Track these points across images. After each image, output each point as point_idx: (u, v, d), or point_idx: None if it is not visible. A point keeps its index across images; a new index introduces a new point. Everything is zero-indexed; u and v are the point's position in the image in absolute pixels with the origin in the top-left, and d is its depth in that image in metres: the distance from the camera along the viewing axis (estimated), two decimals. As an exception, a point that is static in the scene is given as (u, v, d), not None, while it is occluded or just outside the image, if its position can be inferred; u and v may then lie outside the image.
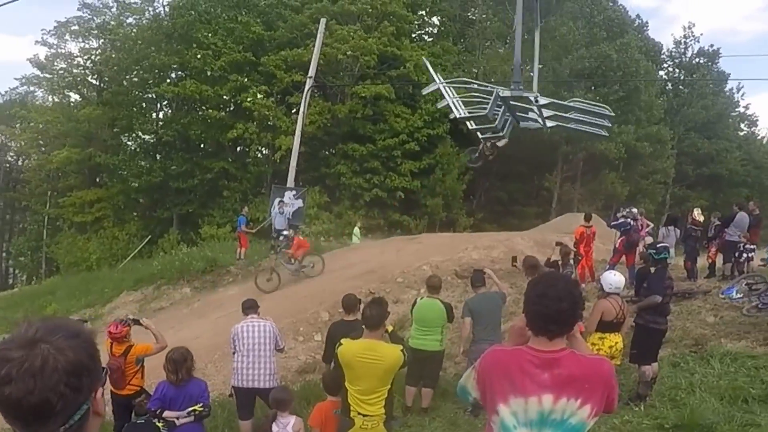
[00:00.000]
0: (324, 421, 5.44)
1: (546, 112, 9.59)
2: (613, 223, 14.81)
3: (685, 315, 10.28)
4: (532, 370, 2.56)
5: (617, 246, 13.78)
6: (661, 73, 46.41)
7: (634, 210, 14.59)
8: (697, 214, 13.90)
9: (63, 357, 1.33)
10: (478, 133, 9.96)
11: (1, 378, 1.30)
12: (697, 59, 45.85)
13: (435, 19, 42.02)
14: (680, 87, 45.71)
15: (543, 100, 9.43)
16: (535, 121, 9.82)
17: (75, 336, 1.39)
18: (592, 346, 6.86)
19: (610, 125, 10.29)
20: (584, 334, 6.98)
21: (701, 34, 59.07)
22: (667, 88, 44.50)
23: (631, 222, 13.60)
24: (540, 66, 11.88)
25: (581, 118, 9.91)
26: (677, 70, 47.27)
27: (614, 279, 7.34)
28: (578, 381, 2.54)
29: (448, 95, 9.47)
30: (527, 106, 9.75)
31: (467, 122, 9.82)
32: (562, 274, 7.47)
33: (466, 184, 35.80)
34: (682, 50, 46.02)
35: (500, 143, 9.39)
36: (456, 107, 9.38)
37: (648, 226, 15.37)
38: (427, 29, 42.36)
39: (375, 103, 33.22)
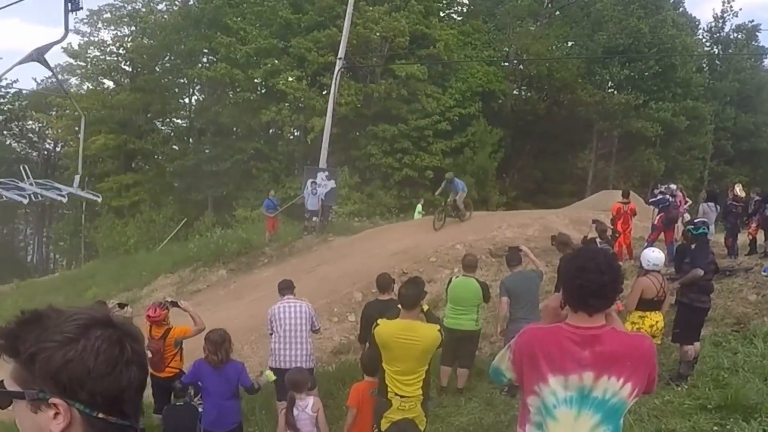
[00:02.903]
0: (361, 402, 5.38)
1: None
2: (651, 200, 14.52)
3: (726, 293, 9.98)
4: (572, 347, 2.48)
5: (655, 223, 13.49)
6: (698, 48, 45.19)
7: (673, 186, 14.28)
8: (738, 190, 13.51)
9: None
10: None
11: None
12: (735, 34, 44.57)
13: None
14: (716, 62, 44.49)
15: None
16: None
17: None
18: (632, 325, 6.72)
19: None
20: (624, 312, 6.84)
21: (740, 9, 57.26)
22: (703, 63, 43.34)
23: (670, 198, 13.30)
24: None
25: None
26: (714, 46, 45.93)
27: (654, 256, 7.14)
28: (620, 359, 2.45)
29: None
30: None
31: None
32: (600, 248, 7.30)
33: (498, 163, 35.43)
34: (720, 25, 44.77)
35: None
36: None
37: (687, 202, 15.06)
38: (456, 8, 41.79)
39: (406, 83, 32.99)
